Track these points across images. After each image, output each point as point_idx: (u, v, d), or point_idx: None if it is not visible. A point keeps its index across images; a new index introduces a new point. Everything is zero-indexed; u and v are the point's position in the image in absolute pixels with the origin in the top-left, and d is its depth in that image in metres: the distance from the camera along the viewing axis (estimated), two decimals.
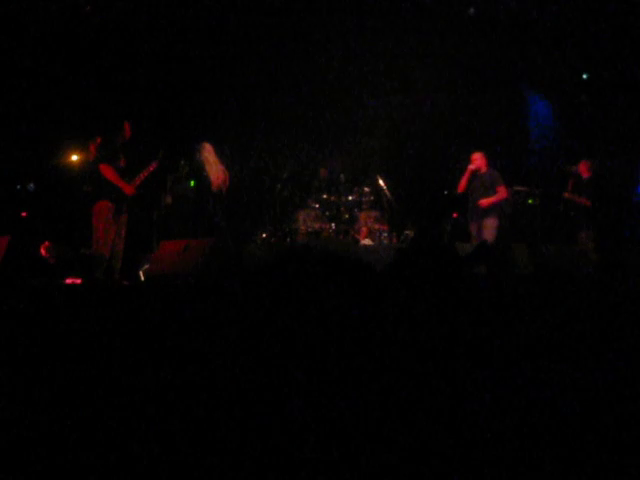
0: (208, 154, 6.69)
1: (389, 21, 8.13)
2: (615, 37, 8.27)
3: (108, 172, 5.88)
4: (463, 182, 7.19)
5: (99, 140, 6.07)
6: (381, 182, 8.21)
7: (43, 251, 6.38)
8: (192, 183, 7.47)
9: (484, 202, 6.99)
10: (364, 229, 8.00)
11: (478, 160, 7.18)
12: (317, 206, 8.24)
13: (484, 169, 7.18)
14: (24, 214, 7.88)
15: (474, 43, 8.73)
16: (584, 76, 9.79)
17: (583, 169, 7.56)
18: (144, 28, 7.76)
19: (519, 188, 8.55)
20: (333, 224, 8.08)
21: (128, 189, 5.96)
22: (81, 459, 1.40)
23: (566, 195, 7.58)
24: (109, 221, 5.86)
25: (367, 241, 7.83)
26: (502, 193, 7.10)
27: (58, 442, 1.47)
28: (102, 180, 5.88)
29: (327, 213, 8.20)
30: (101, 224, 5.84)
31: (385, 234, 7.89)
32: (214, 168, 6.64)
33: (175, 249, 5.85)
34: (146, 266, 6.47)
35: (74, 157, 7.80)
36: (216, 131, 7.90)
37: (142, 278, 6.55)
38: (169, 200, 7.74)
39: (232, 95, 8.54)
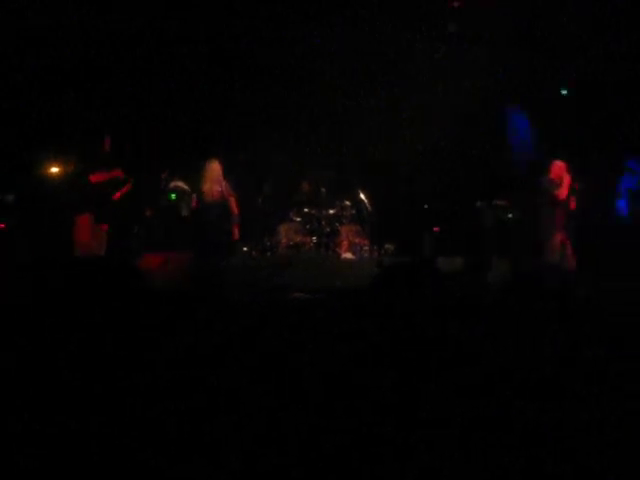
0: (209, 171, 7.08)
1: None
2: (594, 54, 8.38)
3: (97, 180, 6.08)
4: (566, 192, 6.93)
5: (81, 152, 6.22)
6: (362, 196, 8.25)
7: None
8: (173, 197, 7.49)
9: None
10: (345, 243, 8.04)
11: (563, 169, 6.98)
12: (298, 219, 8.26)
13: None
14: (2, 225, 7.81)
15: (454, 58, 8.80)
16: (563, 92, 9.92)
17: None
18: (139, 38, 7.75)
19: (499, 202, 8.64)
20: (314, 237, 8.10)
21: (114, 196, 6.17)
22: None
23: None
24: (91, 232, 6.01)
25: (348, 255, 7.87)
26: None
27: None
28: (84, 191, 6.04)
29: (308, 226, 8.21)
30: (82, 235, 5.97)
31: (366, 248, 7.95)
32: (209, 184, 7.01)
33: (156, 262, 5.90)
34: None
35: (54, 169, 7.77)
36: (200, 145, 7.92)
37: None
38: (149, 212, 7.76)
39: (217, 108, 8.53)
